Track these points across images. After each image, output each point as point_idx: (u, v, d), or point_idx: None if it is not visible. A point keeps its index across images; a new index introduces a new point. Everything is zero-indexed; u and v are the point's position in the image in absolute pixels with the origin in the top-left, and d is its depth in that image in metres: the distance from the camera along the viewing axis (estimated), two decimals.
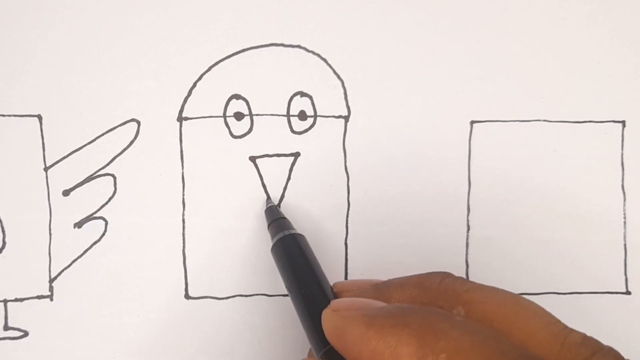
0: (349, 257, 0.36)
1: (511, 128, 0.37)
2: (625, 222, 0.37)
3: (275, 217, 0.34)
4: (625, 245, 0.37)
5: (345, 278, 0.37)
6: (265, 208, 0.35)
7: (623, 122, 0.37)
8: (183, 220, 0.36)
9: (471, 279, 0.37)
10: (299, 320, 0.30)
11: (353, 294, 0.30)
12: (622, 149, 0.37)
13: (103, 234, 0.35)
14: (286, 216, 0.35)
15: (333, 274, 0.36)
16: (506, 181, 0.37)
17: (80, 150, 0.35)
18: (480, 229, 0.37)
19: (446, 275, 0.28)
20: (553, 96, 0.37)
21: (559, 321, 0.26)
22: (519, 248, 0.37)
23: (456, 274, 0.36)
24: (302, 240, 0.33)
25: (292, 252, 0.32)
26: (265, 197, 0.36)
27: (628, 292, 0.37)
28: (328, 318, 0.28)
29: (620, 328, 0.37)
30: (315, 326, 0.29)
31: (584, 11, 0.37)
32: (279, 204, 0.36)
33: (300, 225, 0.36)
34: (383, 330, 0.24)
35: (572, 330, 0.25)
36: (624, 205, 0.37)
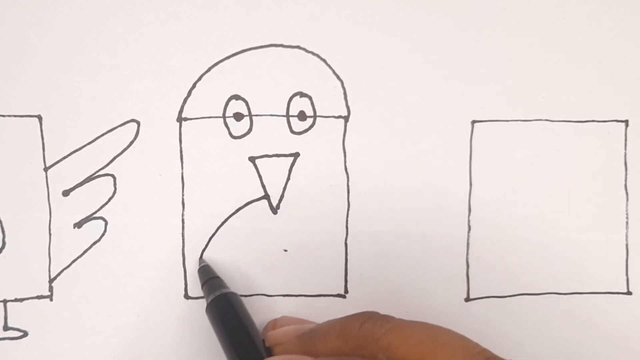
0: (349, 257, 0.36)
1: (513, 128, 0.37)
2: (627, 222, 0.37)
3: (208, 277, 0.35)
4: (627, 245, 0.37)
5: (345, 279, 0.37)
6: (198, 268, 0.36)
7: (626, 122, 0.37)
8: (183, 220, 0.36)
9: (472, 279, 0.37)
10: None
11: (282, 349, 0.31)
12: (625, 149, 0.37)
13: (103, 234, 0.36)
14: (219, 275, 0.35)
15: (333, 274, 0.36)
16: (507, 181, 0.37)
17: (80, 151, 0.35)
18: (481, 229, 0.37)
19: (367, 319, 0.28)
20: (555, 96, 0.37)
21: (482, 352, 0.26)
22: (520, 248, 0.37)
23: (457, 274, 0.37)
24: (235, 299, 0.34)
25: (225, 312, 0.33)
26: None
27: (629, 293, 0.37)
28: None
29: (621, 328, 0.37)
30: None
31: (584, 10, 0.37)
32: (278, 205, 0.36)
33: (300, 225, 0.36)
34: None
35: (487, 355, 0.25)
36: (627, 205, 0.37)
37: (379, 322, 0.28)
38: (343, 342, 0.28)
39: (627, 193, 0.37)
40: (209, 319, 0.34)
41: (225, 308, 0.33)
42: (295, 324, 0.33)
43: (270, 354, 0.31)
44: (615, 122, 0.37)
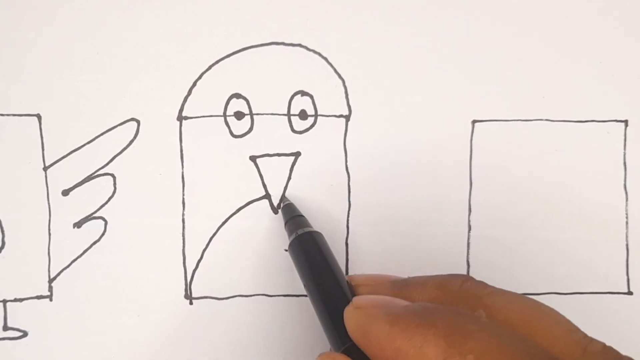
0: (349, 257, 0.36)
1: (513, 127, 0.37)
2: (627, 222, 0.37)
3: (292, 215, 0.34)
4: (627, 245, 0.37)
5: None
6: (282, 205, 0.35)
7: (625, 122, 0.37)
8: (183, 220, 0.36)
9: None
10: (318, 317, 0.30)
11: (371, 290, 0.30)
12: (625, 149, 0.37)
13: (103, 234, 0.35)
14: (303, 214, 0.35)
15: None
16: (508, 181, 0.37)
17: (80, 150, 0.35)
18: (482, 228, 0.37)
19: (467, 279, 0.28)
20: (555, 95, 0.37)
21: (579, 329, 0.26)
22: (521, 248, 0.37)
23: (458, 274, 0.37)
24: (320, 238, 0.33)
25: (309, 250, 0.32)
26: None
27: (630, 293, 0.37)
28: (351, 315, 0.28)
29: (622, 328, 0.37)
30: (336, 323, 0.29)
31: (585, 10, 0.37)
32: (279, 204, 0.36)
33: None
34: (408, 329, 0.24)
35: (592, 339, 0.25)
36: (626, 205, 0.37)
37: (481, 284, 0.27)
38: (442, 294, 0.27)
39: (626, 193, 0.37)
40: (291, 256, 0.33)
41: (309, 246, 0.32)
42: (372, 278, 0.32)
43: (353, 294, 0.30)
44: (614, 122, 0.37)
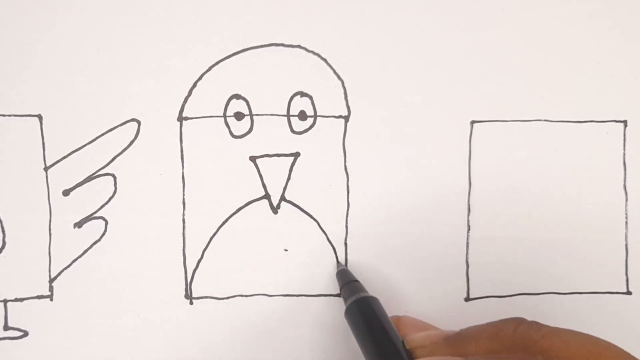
0: (349, 257, 0.36)
1: (512, 128, 0.37)
2: (627, 222, 0.37)
3: (348, 280, 0.35)
4: (626, 245, 0.37)
5: None
6: (336, 271, 0.36)
7: (625, 122, 0.37)
8: (183, 220, 0.36)
9: (472, 279, 0.37)
10: None
11: (427, 352, 0.30)
12: (624, 149, 0.37)
13: (103, 234, 0.35)
14: (357, 278, 0.35)
15: (333, 274, 0.36)
16: (507, 181, 0.37)
17: (81, 150, 0.35)
18: (481, 229, 0.37)
19: (520, 322, 0.28)
20: (554, 96, 0.37)
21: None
22: (520, 248, 0.37)
23: (456, 274, 0.37)
24: (376, 304, 0.33)
25: (366, 315, 0.33)
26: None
27: (629, 293, 0.37)
28: None
29: (620, 328, 0.37)
30: None
31: (584, 11, 0.37)
32: (278, 205, 0.36)
33: (299, 225, 0.36)
34: None
35: None
36: (626, 205, 0.37)
37: (535, 326, 0.27)
38: (496, 344, 0.28)
39: (626, 193, 0.37)
40: (347, 322, 0.34)
41: (366, 311, 0.33)
42: (419, 325, 0.33)
43: (411, 357, 0.31)
44: (614, 123, 0.37)
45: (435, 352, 0.29)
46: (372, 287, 0.36)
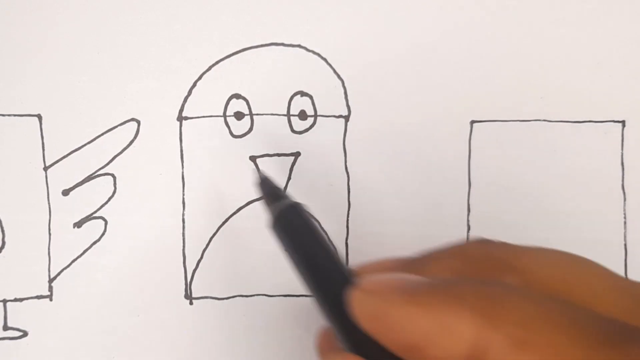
0: (349, 257, 0.36)
1: (511, 128, 0.37)
2: (625, 223, 0.37)
3: (271, 189, 0.30)
4: (625, 245, 0.37)
5: None
6: (258, 181, 0.32)
7: (623, 122, 0.37)
8: (183, 220, 0.36)
9: None
10: (318, 306, 0.26)
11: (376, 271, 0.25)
12: (622, 149, 0.37)
13: (103, 234, 0.35)
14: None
15: None
16: (506, 181, 0.37)
17: (80, 150, 0.35)
18: (481, 228, 0.37)
19: (486, 242, 0.24)
20: (553, 96, 0.37)
21: (617, 275, 0.23)
22: None
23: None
24: (307, 213, 0.29)
25: (298, 227, 0.28)
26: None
27: None
28: (360, 301, 0.23)
29: None
30: (341, 313, 0.24)
31: (584, 11, 0.37)
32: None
33: None
34: (435, 307, 0.20)
35: (633, 282, 0.23)
36: (624, 205, 0.37)
37: (503, 246, 0.24)
38: (462, 264, 0.24)
39: (624, 193, 0.37)
40: (276, 237, 0.29)
41: (297, 222, 0.28)
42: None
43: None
44: (612, 123, 0.37)
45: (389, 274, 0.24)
46: None
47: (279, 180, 0.36)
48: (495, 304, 0.20)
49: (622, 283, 0.23)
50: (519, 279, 0.23)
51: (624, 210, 0.37)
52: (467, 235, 0.37)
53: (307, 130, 0.36)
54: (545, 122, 0.37)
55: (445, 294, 0.21)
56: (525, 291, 0.21)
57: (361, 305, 0.23)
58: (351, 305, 0.23)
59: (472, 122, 0.37)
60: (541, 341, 0.19)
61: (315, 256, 0.26)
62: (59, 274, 0.35)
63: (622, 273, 0.37)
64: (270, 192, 0.30)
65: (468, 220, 0.37)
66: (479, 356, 0.20)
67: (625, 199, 0.37)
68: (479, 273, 0.23)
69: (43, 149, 0.35)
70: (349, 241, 0.36)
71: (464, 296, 0.20)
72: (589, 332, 0.19)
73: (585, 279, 0.23)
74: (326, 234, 0.36)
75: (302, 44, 0.36)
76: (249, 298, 0.36)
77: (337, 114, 0.36)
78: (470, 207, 0.37)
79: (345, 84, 0.36)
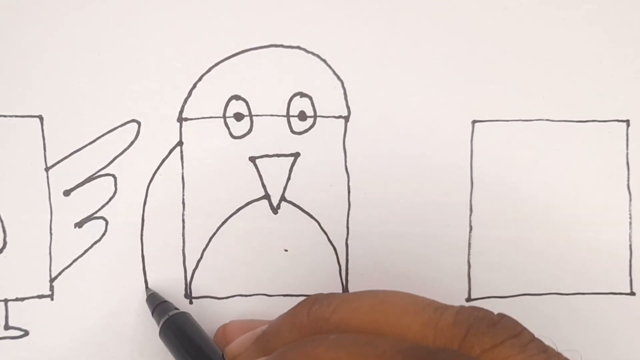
0: (349, 257, 0.36)
1: (513, 128, 0.37)
2: (630, 223, 0.37)
3: (157, 302, 0.34)
4: (630, 245, 0.37)
5: (346, 279, 0.36)
6: (145, 297, 0.35)
7: (627, 122, 0.37)
8: (183, 220, 0.36)
9: (473, 279, 0.37)
10: None
11: (242, 358, 0.30)
12: (627, 148, 0.37)
13: (103, 234, 0.36)
14: (167, 299, 0.35)
15: (333, 274, 0.36)
16: (509, 181, 0.37)
17: (81, 151, 0.36)
18: (483, 229, 0.37)
19: (313, 303, 0.27)
20: (555, 95, 0.37)
21: (430, 304, 0.25)
22: (522, 248, 0.37)
23: (458, 274, 0.36)
24: (188, 320, 0.34)
25: (179, 334, 0.33)
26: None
27: (632, 293, 0.37)
28: None
29: (624, 329, 0.36)
30: None
31: (585, 10, 0.37)
32: (278, 205, 0.36)
33: (300, 225, 0.36)
34: None
35: (444, 311, 0.24)
36: (630, 205, 0.37)
37: (326, 302, 0.26)
38: (296, 334, 0.27)
39: (629, 193, 0.37)
40: (165, 344, 0.34)
41: (178, 330, 0.33)
42: (245, 327, 0.32)
43: None
44: (616, 122, 0.37)
45: (249, 358, 0.29)
46: (373, 287, 0.36)
47: (279, 181, 0.36)
48: (309, 356, 0.24)
49: (426, 315, 0.24)
50: (337, 330, 0.26)
51: (629, 210, 0.37)
52: (469, 236, 0.37)
53: (306, 130, 0.36)
54: (548, 122, 0.37)
55: None
56: (338, 339, 0.24)
57: None
58: None
59: (474, 121, 0.37)
60: None
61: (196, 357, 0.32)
62: (60, 273, 0.35)
63: (626, 274, 0.37)
64: (157, 306, 0.34)
65: (470, 221, 0.37)
66: None
67: (630, 199, 0.37)
68: (310, 337, 0.26)
69: (44, 150, 0.35)
70: (349, 241, 0.36)
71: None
72: None
73: (394, 319, 0.25)
74: (326, 234, 0.36)
75: (302, 46, 0.36)
76: (249, 298, 0.36)
77: (336, 115, 0.36)
78: (473, 207, 0.37)
79: (345, 85, 0.36)
